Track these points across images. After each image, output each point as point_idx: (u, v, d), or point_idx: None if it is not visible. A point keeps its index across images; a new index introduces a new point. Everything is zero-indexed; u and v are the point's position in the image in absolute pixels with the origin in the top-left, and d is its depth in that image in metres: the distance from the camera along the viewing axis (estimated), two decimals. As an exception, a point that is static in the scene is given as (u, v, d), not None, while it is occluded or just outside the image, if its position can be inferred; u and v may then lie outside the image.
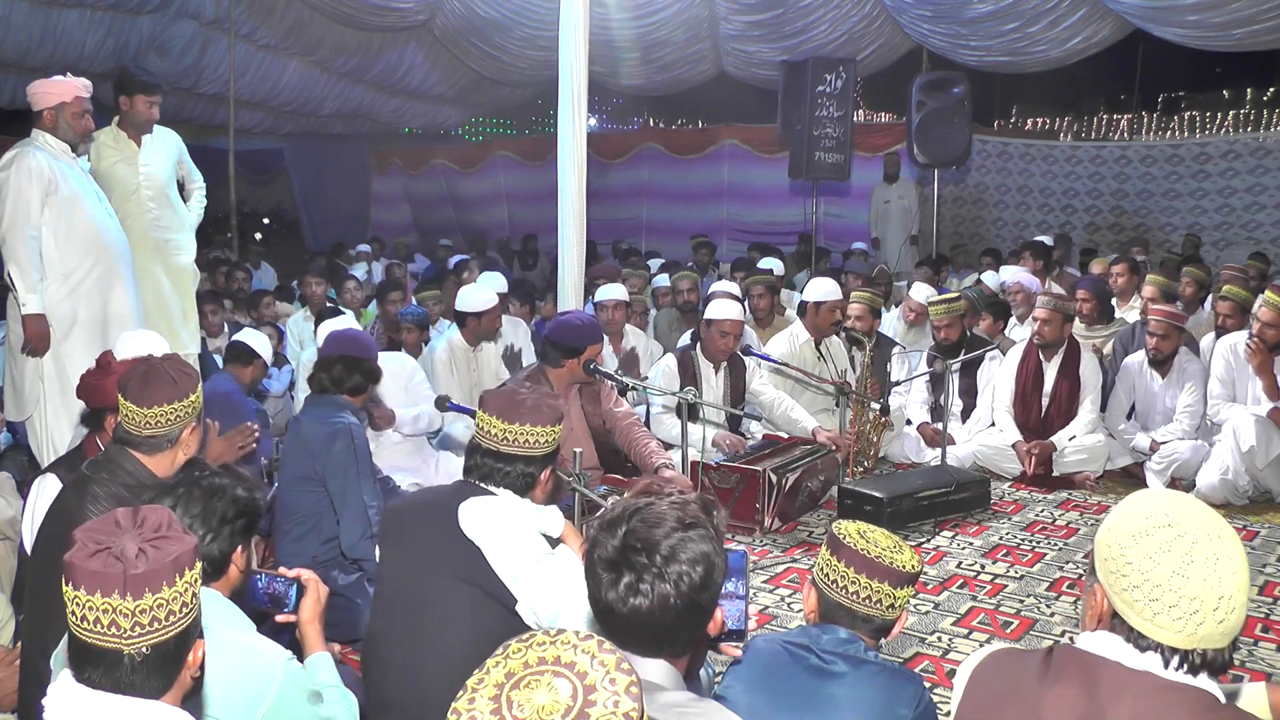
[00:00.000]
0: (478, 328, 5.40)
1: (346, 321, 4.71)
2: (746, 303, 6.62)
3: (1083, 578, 4.07)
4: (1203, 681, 1.43)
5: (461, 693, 1.09)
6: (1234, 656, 1.46)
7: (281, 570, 2.27)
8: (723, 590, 1.65)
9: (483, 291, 5.51)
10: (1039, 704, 1.49)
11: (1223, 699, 1.43)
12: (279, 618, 2.18)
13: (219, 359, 6.19)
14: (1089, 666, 1.47)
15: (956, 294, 6.23)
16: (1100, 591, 1.51)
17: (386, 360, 4.92)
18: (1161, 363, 5.47)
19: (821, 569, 2.10)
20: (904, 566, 2.05)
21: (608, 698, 1.07)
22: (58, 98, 4.29)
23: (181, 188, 5.01)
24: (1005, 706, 1.54)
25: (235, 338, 4.46)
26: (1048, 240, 8.94)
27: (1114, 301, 6.67)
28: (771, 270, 7.64)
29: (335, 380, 3.58)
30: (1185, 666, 1.43)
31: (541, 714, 1.05)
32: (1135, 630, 1.45)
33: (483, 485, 2.55)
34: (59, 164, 4.26)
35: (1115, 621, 1.49)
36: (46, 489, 3.06)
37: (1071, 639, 3.54)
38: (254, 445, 3.50)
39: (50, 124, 4.29)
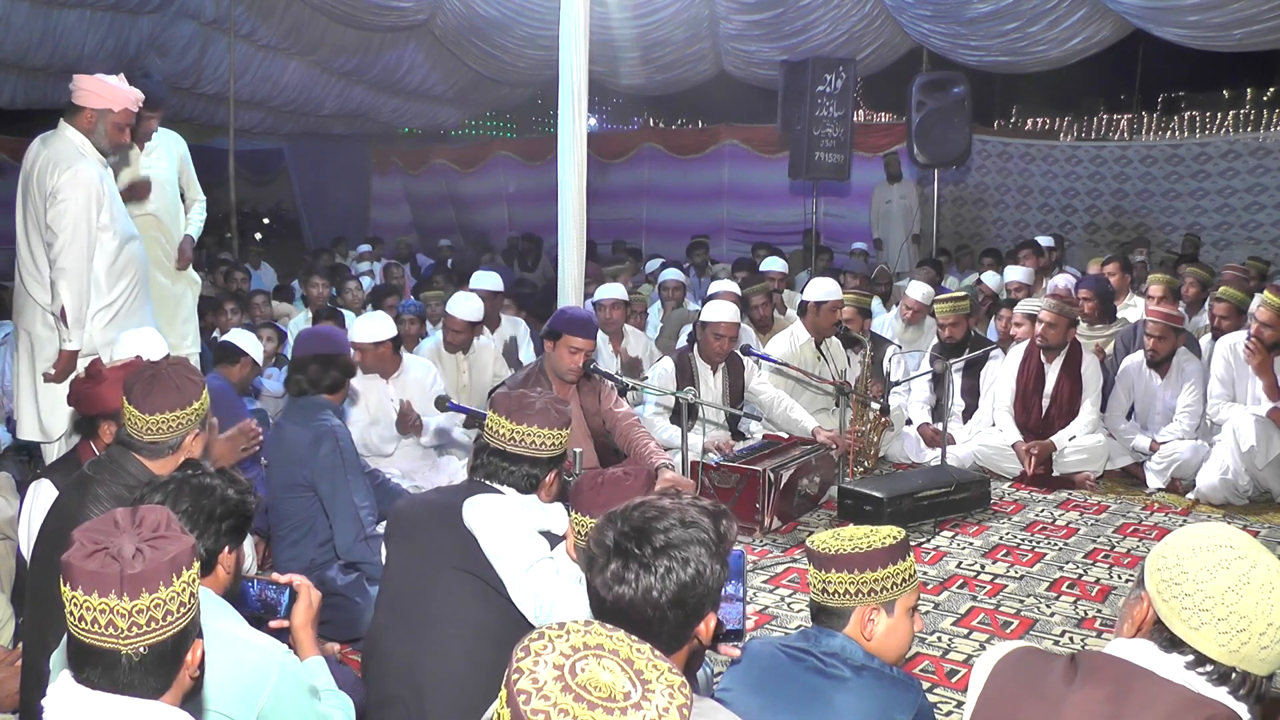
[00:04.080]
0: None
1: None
2: (746, 311, 6.61)
3: (1083, 581, 4.07)
4: (1230, 700, 1.43)
5: (522, 654, 1.11)
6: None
7: (274, 576, 2.28)
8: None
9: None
10: (1061, 703, 1.49)
11: (1247, 718, 1.44)
12: (272, 624, 2.19)
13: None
14: (1121, 673, 1.48)
15: (962, 293, 6.22)
16: (1146, 599, 1.52)
17: (411, 365, 4.95)
18: (1159, 363, 5.47)
19: None
20: (828, 549, 1.99)
21: (663, 690, 1.10)
22: (106, 102, 3.91)
23: (182, 196, 4.92)
24: (1026, 703, 1.54)
25: (222, 338, 4.44)
26: (1042, 240, 8.95)
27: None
28: (769, 272, 7.61)
29: (312, 380, 3.56)
30: (1219, 679, 1.43)
31: (604, 689, 1.08)
32: (1175, 638, 1.46)
33: (488, 483, 2.57)
34: (104, 177, 3.97)
35: (1154, 629, 1.49)
36: (41, 495, 3.06)
37: (1071, 639, 3.54)
38: (256, 446, 3.49)
39: (87, 126, 3.91)
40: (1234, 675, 1.43)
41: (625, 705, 1.07)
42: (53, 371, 3.93)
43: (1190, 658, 1.45)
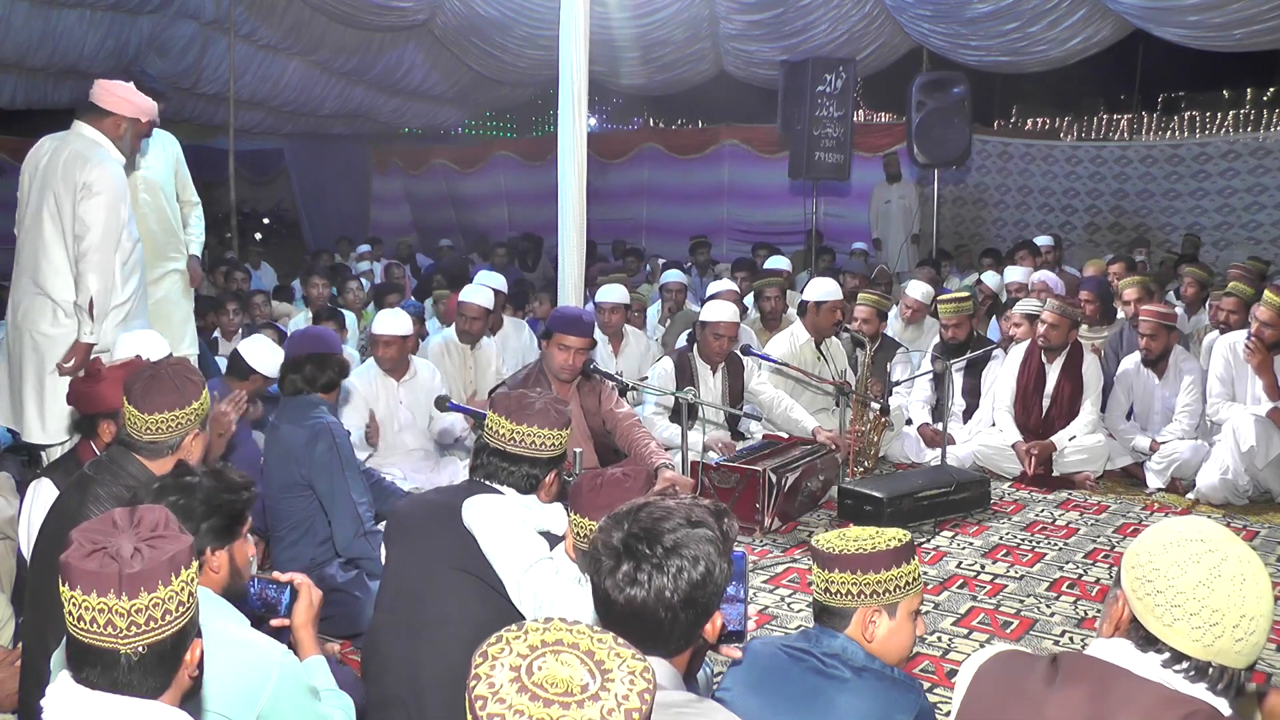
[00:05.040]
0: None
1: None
2: (756, 304, 6.61)
3: (1083, 581, 4.07)
4: (1209, 696, 1.43)
5: (480, 660, 1.11)
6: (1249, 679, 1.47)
7: (275, 575, 2.27)
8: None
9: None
10: (1043, 705, 1.49)
11: (1227, 712, 1.43)
12: (273, 623, 2.18)
13: (223, 362, 6.18)
14: (1100, 673, 1.48)
15: (965, 293, 6.22)
16: (1122, 598, 1.52)
17: (419, 368, 4.97)
18: (1155, 362, 5.47)
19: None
20: (832, 549, 2.00)
21: (623, 676, 1.10)
22: (136, 111, 4.05)
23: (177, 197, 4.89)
24: (1009, 705, 1.54)
25: (237, 348, 4.19)
26: (1039, 241, 8.96)
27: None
28: (780, 270, 7.61)
29: (308, 380, 3.57)
30: (1196, 674, 1.43)
31: (560, 684, 1.08)
32: (1151, 636, 1.46)
33: (488, 483, 2.57)
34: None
35: (1131, 627, 1.49)
36: (41, 494, 3.06)
37: (1071, 639, 3.54)
38: (233, 427, 3.42)
39: (115, 132, 4.01)
40: (1211, 670, 1.43)
41: (582, 698, 1.07)
42: (68, 365, 3.89)
43: (1166, 655, 1.45)
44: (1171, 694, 1.42)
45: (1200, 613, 1.41)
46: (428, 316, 7.35)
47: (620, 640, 1.16)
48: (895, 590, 1.99)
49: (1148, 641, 1.46)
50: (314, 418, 3.48)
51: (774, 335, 6.07)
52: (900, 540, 2.01)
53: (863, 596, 1.98)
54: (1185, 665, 1.43)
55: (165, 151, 4.79)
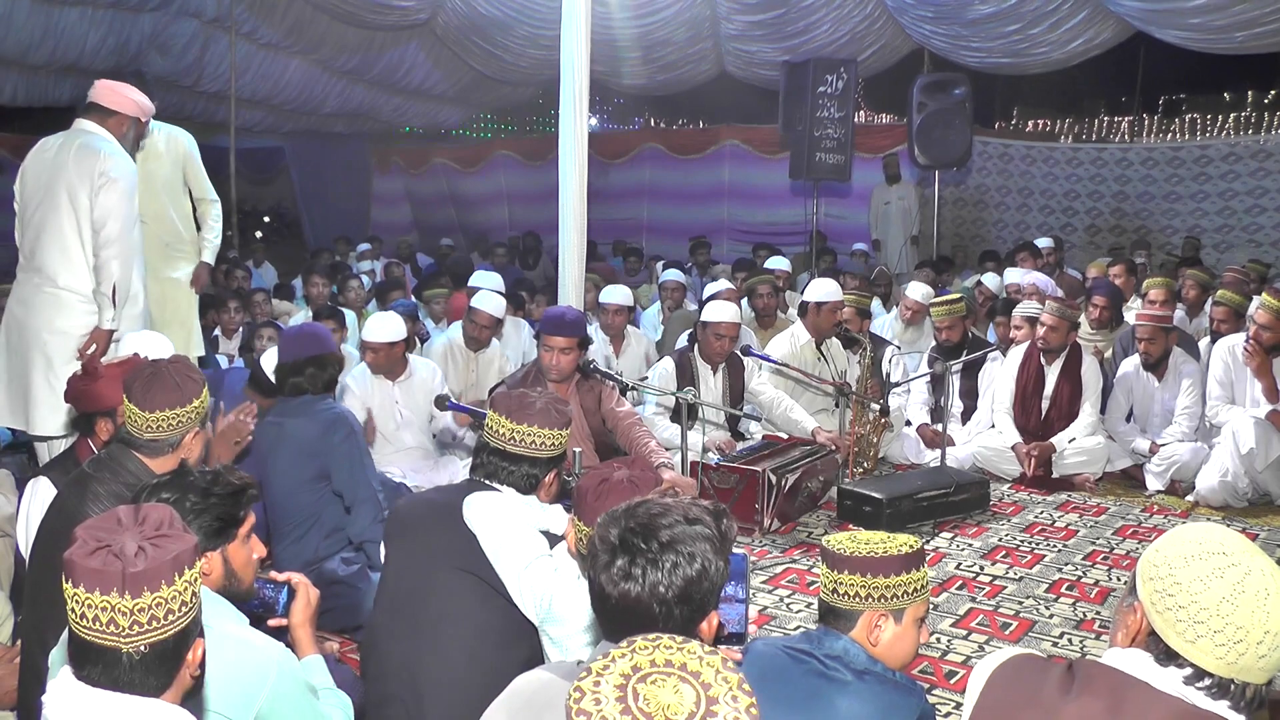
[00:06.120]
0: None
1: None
2: (749, 302, 6.61)
3: (1082, 583, 4.07)
4: (1230, 712, 1.41)
5: (585, 674, 1.11)
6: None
7: (272, 574, 2.26)
8: (723, 594, 1.66)
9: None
10: (1058, 714, 1.47)
11: None
12: (270, 622, 2.17)
13: (223, 360, 6.19)
14: (1117, 683, 1.46)
15: (957, 295, 6.22)
16: (1139, 610, 1.49)
17: (418, 368, 4.97)
18: (1154, 365, 5.47)
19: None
20: (842, 550, 2.00)
21: (729, 712, 1.09)
22: (138, 111, 4.17)
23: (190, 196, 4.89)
24: (1022, 712, 1.52)
25: (259, 362, 4.06)
26: (1040, 242, 8.96)
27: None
28: (775, 270, 7.59)
29: (311, 380, 3.58)
30: (1218, 691, 1.41)
31: (666, 712, 1.07)
32: (1171, 650, 1.43)
33: (488, 483, 2.57)
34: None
35: (1150, 640, 1.47)
36: (39, 493, 3.05)
37: (1070, 640, 3.54)
38: (250, 436, 3.45)
39: (120, 131, 4.09)
40: (1233, 687, 1.41)
41: None
42: (90, 351, 3.87)
43: (1189, 671, 1.42)
44: (1190, 709, 1.40)
45: (1224, 630, 1.38)
46: (422, 316, 7.35)
47: (730, 664, 1.15)
48: (903, 596, 1.99)
49: (1168, 656, 1.44)
50: (324, 409, 3.51)
51: (768, 333, 6.07)
52: (912, 546, 2.02)
53: (870, 600, 1.98)
54: (1208, 682, 1.41)
55: (171, 149, 4.75)
